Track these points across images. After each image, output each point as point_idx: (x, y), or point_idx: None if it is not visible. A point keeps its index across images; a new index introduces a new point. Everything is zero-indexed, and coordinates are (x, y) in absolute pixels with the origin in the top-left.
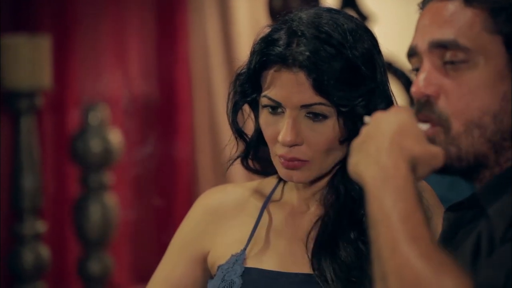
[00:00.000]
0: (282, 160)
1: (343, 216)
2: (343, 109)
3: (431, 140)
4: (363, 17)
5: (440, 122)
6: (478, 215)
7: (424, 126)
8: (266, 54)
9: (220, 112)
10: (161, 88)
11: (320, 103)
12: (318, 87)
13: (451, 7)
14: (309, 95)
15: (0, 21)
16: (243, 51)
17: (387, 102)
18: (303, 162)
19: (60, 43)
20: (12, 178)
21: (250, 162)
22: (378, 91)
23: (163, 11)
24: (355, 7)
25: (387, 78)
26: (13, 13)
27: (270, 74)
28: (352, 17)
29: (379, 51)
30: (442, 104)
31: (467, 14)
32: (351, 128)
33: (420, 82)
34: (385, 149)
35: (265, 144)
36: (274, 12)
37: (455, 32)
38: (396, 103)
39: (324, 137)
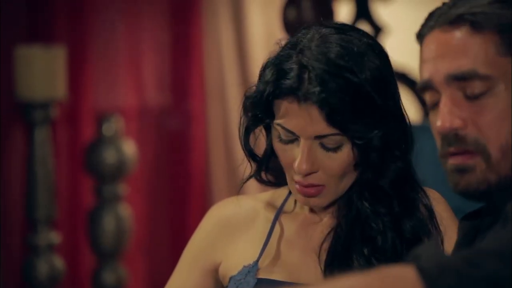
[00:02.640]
0: (298, 187)
1: (355, 228)
2: (358, 142)
3: (470, 168)
4: (377, 28)
5: (479, 151)
6: (496, 221)
7: None
8: (278, 87)
9: (234, 123)
10: (175, 99)
11: (334, 134)
12: (332, 121)
13: (459, 35)
14: (323, 127)
15: (15, 32)
16: (257, 62)
17: (402, 126)
18: (319, 188)
19: (75, 54)
20: (26, 189)
21: (263, 174)
22: (391, 115)
23: (178, 22)
24: (369, 19)
25: (400, 97)
26: (28, 24)
27: (283, 104)
28: (363, 35)
29: (391, 73)
30: (473, 133)
31: (478, 41)
32: (365, 152)
33: (444, 117)
34: None
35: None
36: (288, 24)
37: (472, 62)
38: (409, 122)
39: (339, 163)
